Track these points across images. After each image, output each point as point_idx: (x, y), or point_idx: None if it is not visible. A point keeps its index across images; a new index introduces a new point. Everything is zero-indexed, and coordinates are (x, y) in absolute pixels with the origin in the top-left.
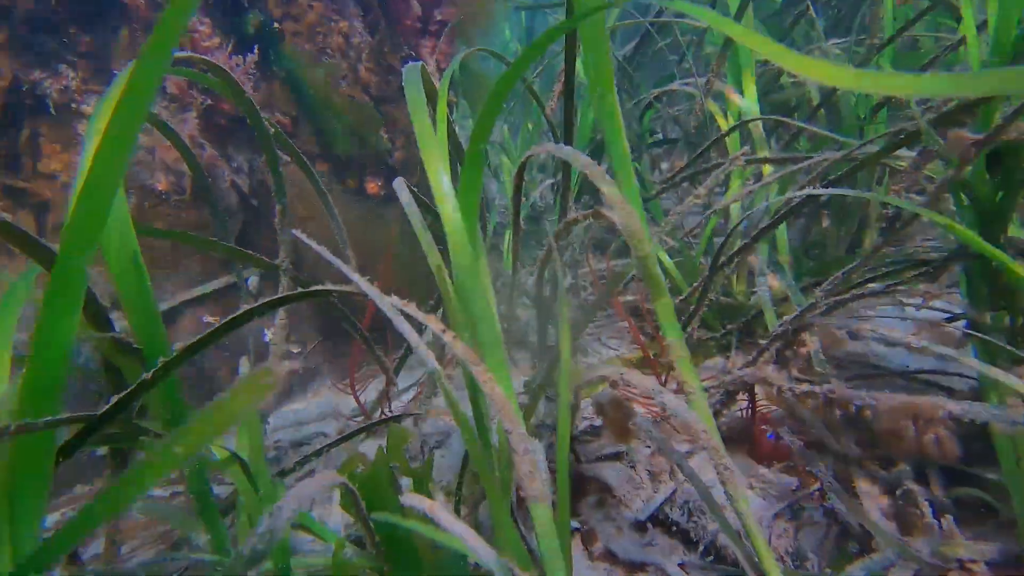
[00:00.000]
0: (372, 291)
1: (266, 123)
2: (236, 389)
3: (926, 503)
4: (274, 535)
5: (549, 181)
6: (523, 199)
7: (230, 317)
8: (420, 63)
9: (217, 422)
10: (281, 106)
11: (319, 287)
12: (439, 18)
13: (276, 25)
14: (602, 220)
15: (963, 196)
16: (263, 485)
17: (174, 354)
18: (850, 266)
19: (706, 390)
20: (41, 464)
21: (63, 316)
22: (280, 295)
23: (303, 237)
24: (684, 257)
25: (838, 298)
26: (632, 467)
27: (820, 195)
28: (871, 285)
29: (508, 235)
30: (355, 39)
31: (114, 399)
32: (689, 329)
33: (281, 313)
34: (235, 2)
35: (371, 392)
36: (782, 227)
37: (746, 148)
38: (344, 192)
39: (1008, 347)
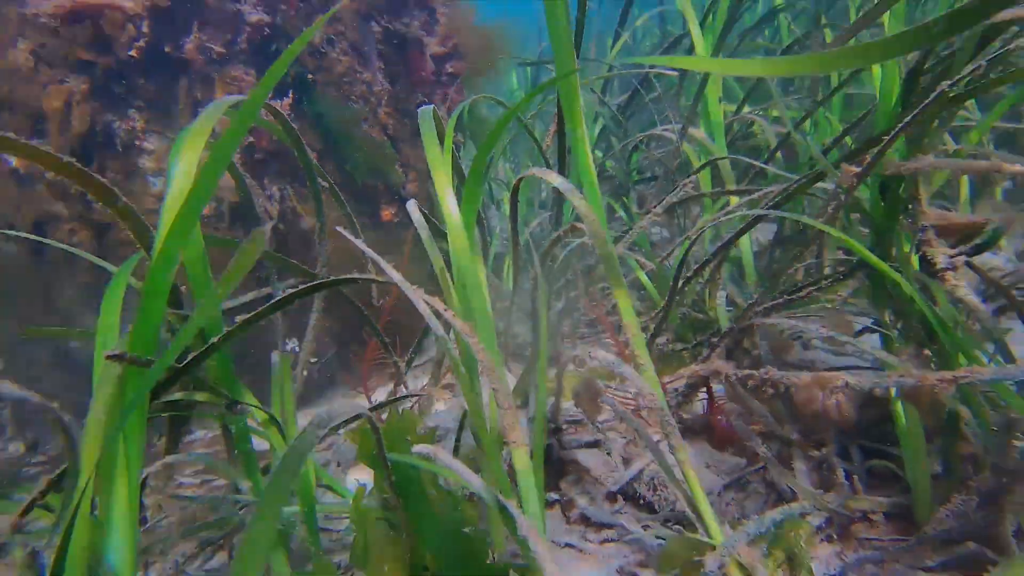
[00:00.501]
0: (398, 277)
1: (310, 156)
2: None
3: (842, 471)
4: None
5: (547, 213)
6: (524, 227)
7: (278, 299)
8: (432, 106)
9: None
10: (310, 142)
11: (350, 276)
12: (450, 71)
13: (309, 76)
14: (577, 233)
15: (851, 216)
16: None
17: (230, 328)
18: (764, 282)
19: (674, 390)
20: (142, 393)
21: (159, 293)
22: (318, 281)
23: (348, 235)
24: (661, 279)
25: (773, 302)
26: (608, 453)
27: (765, 216)
28: (801, 293)
29: (508, 261)
30: (376, 88)
31: (192, 355)
32: (664, 339)
33: (315, 315)
34: (275, 55)
35: (381, 395)
36: (750, 256)
37: (693, 177)
38: (360, 217)
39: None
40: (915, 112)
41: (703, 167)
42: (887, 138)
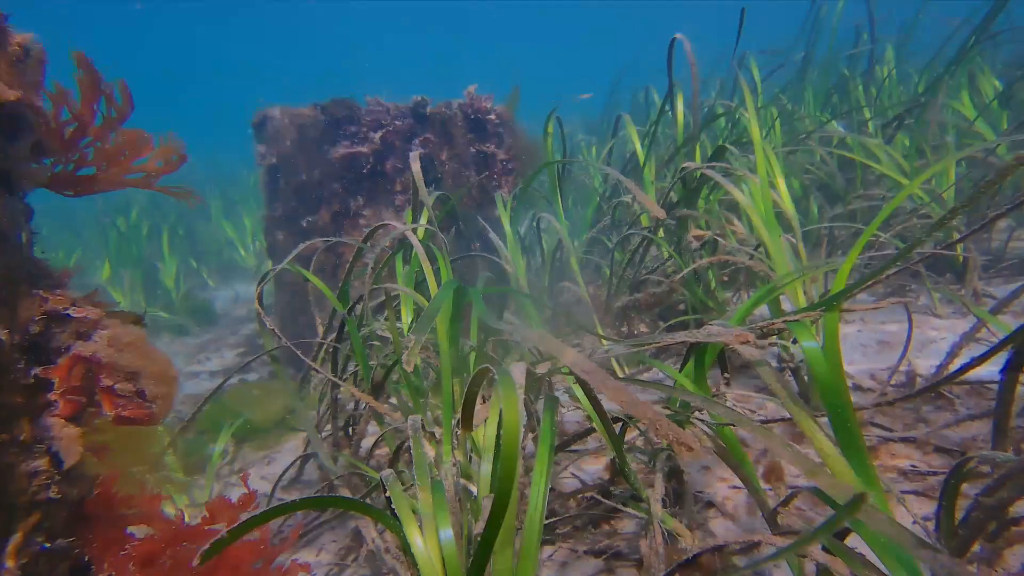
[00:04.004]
0: (498, 246)
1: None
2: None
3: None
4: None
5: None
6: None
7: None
8: (501, 191)
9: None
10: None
11: (477, 253)
12: (510, 167)
13: (438, 176)
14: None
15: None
16: None
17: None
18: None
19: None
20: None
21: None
22: (461, 256)
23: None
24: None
25: (659, 266)
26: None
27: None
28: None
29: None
30: (472, 178)
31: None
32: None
33: None
34: (425, 168)
35: None
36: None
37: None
38: (459, 238)
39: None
40: (669, 197)
41: (640, 215)
42: (680, 210)
